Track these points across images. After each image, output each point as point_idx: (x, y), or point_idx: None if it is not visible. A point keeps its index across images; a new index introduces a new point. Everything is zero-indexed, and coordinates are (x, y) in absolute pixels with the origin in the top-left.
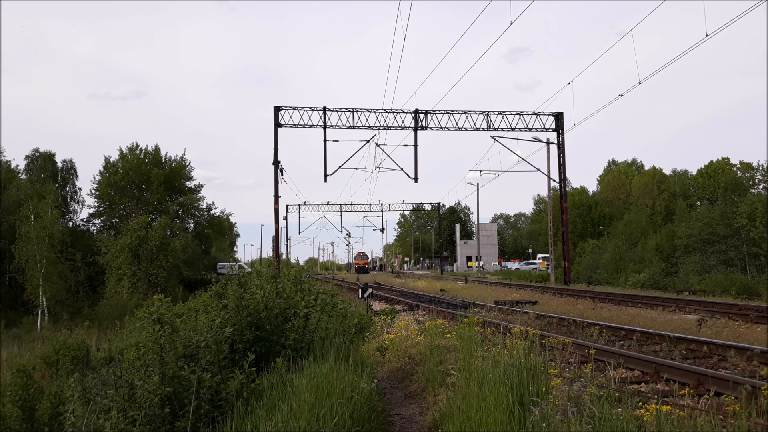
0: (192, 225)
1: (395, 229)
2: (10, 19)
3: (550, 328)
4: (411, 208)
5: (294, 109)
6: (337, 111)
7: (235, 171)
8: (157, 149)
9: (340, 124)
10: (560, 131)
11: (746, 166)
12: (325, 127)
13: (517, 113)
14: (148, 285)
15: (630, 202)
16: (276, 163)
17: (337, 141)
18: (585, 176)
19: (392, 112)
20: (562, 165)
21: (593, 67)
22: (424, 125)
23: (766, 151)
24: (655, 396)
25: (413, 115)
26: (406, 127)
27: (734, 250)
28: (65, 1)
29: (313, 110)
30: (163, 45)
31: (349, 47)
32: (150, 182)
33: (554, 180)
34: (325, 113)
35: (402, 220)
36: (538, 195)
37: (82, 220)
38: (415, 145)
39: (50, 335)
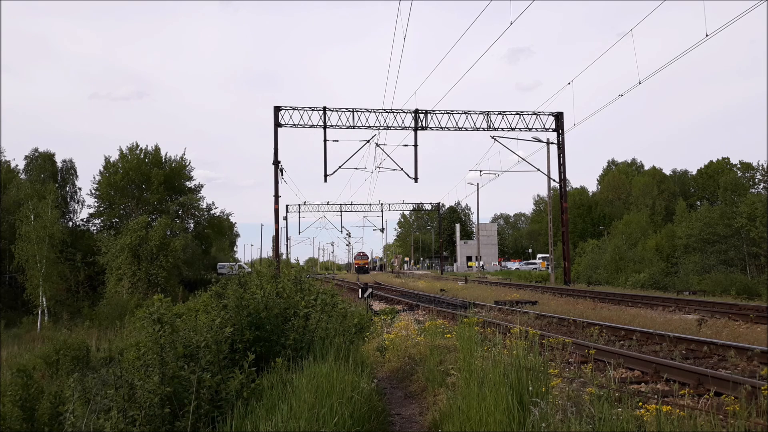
0: (192, 225)
1: (395, 229)
2: (11, 19)
3: (550, 328)
4: (411, 208)
5: (294, 109)
6: (337, 111)
7: (236, 171)
8: (157, 149)
9: (340, 124)
10: (560, 131)
11: (746, 166)
12: (325, 127)
13: (517, 113)
14: (148, 285)
15: (630, 202)
16: (276, 163)
17: (337, 141)
18: (585, 176)
19: (392, 112)
20: (562, 165)
21: (593, 67)
22: (424, 125)
23: (766, 151)
24: (655, 396)
25: (413, 115)
26: (406, 127)
27: (734, 250)
28: (68, 1)
29: (313, 110)
30: (165, 45)
31: (350, 48)
32: (150, 182)
33: (554, 180)
34: (325, 113)
35: (402, 220)
36: (538, 195)
37: (82, 220)
38: (415, 145)
39: (50, 335)
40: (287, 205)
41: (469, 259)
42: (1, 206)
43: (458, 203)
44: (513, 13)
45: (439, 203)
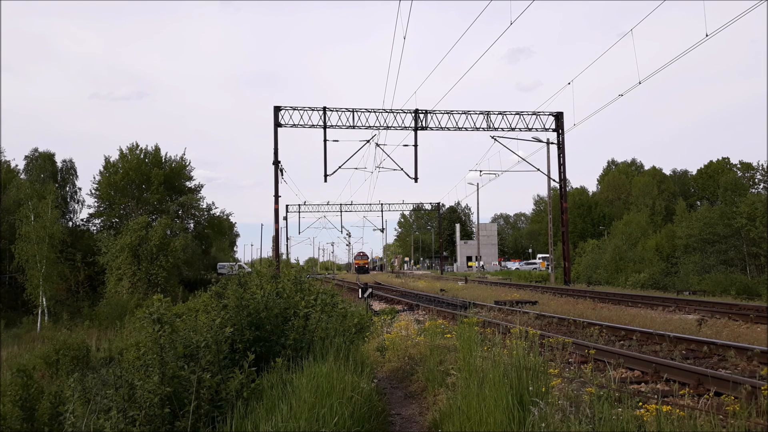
0: (192, 225)
1: (395, 229)
2: (11, 19)
3: (550, 328)
4: (411, 208)
5: (294, 109)
6: (337, 111)
7: (236, 171)
8: (157, 149)
9: (340, 124)
10: (560, 131)
11: (746, 166)
12: (325, 127)
13: (517, 113)
14: (148, 285)
15: (630, 202)
16: (276, 163)
17: (337, 141)
18: (585, 176)
19: (392, 112)
20: (562, 165)
21: (593, 67)
22: (424, 125)
23: (766, 151)
24: (655, 396)
25: (413, 115)
26: (406, 127)
27: (734, 250)
28: (68, 0)
29: (313, 110)
30: (166, 45)
31: (350, 48)
32: (150, 182)
33: (554, 180)
34: (325, 113)
35: (402, 220)
36: (538, 195)
37: (82, 220)
38: (415, 145)
39: (50, 335)
40: (287, 205)
41: (469, 259)
42: (1, 206)
43: (458, 203)
44: (513, 13)
45: (439, 203)
